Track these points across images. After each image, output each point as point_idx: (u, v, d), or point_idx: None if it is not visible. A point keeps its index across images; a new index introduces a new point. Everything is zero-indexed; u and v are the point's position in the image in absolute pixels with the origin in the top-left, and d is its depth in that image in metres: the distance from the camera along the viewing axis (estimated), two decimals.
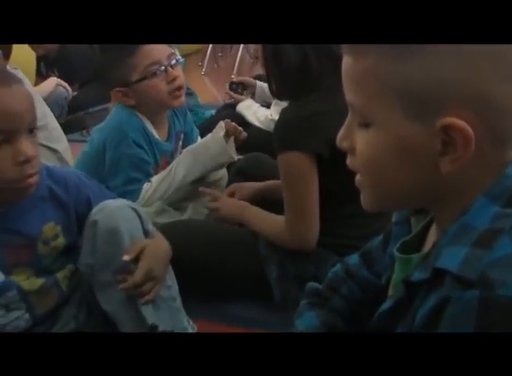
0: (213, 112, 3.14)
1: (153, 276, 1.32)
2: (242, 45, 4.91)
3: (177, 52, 2.75)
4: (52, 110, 2.43)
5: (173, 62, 1.92)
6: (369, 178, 0.79)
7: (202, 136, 2.21)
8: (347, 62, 0.76)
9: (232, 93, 3.03)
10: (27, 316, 1.30)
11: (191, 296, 1.44)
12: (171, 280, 1.38)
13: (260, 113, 2.77)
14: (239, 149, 2.10)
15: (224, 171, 2.14)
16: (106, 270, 1.31)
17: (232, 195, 1.98)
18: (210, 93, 4.38)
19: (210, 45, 5.34)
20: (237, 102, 2.95)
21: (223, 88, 3.44)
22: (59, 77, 3.39)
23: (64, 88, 3.20)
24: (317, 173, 1.56)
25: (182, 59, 2.03)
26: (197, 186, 2.02)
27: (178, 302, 1.39)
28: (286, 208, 1.61)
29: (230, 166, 2.13)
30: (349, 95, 0.77)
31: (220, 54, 5.66)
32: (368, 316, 0.88)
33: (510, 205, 0.71)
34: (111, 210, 1.32)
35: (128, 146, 1.89)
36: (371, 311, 0.87)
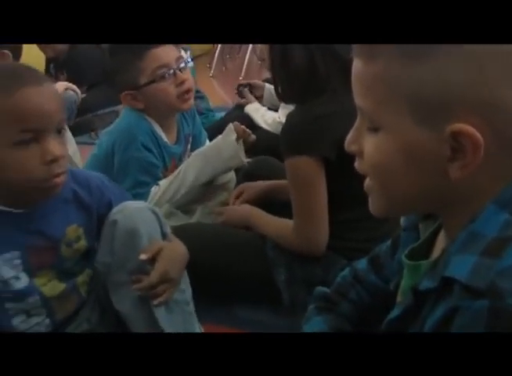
0: (223, 115, 3.14)
1: (169, 278, 1.32)
2: (250, 48, 4.90)
3: (188, 54, 2.77)
4: None
5: (182, 65, 1.92)
6: (378, 182, 0.79)
7: (210, 139, 2.21)
8: (357, 66, 0.76)
9: (245, 91, 3.03)
10: (47, 321, 1.30)
11: (198, 299, 1.44)
12: (186, 284, 1.39)
13: (268, 115, 2.77)
14: (248, 152, 2.10)
15: (232, 174, 2.13)
16: (122, 270, 1.31)
17: (240, 195, 2.00)
18: (218, 95, 4.38)
19: (219, 48, 5.35)
20: (248, 102, 2.96)
21: (231, 91, 3.45)
22: (67, 78, 3.40)
23: (74, 91, 3.20)
24: (325, 176, 1.56)
25: (191, 63, 2.03)
26: (206, 188, 2.03)
27: (191, 307, 1.39)
28: (294, 213, 1.61)
29: (238, 169, 2.13)
30: (358, 99, 0.77)
31: (228, 56, 5.66)
32: (376, 321, 0.88)
33: None
34: (131, 210, 1.33)
35: (137, 150, 1.89)
36: (379, 316, 0.86)
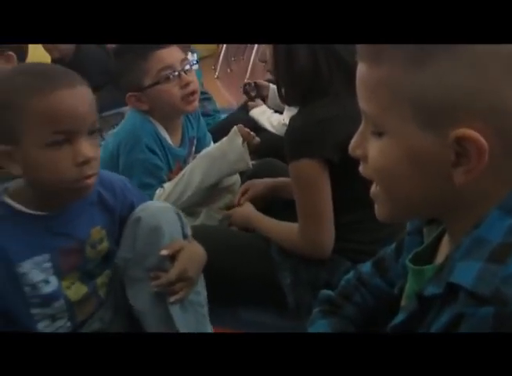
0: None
1: (187, 276, 1.33)
2: (255, 50, 4.91)
3: (195, 56, 2.77)
4: None
5: (187, 67, 1.92)
6: (382, 187, 0.79)
7: (213, 140, 2.21)
8: (361, 70, 0.76)
9: (251, 88, 3.03)
10: (68, 324, 1.31)
11: None
12: (201, 287, 1.41)
13: (273, 118, 2.77)
14: (252, 154, 2.10)
15: (237, 177, 2.13)
16: (141, 266, 1.33)
17: (246, 192, 2.00)
18: (223, 97, 4.38)
19: (224, 49, 5.35)
20: (253, 100, 2.96)
21: (236, 92, 3.45)
22: None
23: None
24: (329, 179, 1.56)
25: (196, 65, 2.03)
26: (211, 191, 2.02)
27: (205, 309, 1.40)
28: (299, 216, 1.61)
29: (243, 171, 2.13)
30: (363, 104, 0.77)
31: (233, 58, 5.67)
32: (380, 324, 0.88)
33: None
34: (155, 209, 1.37)
35: (141, 152, 1.89)
36: (384, 319, 0.86)
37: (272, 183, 2.03)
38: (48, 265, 1.24)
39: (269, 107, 2.93)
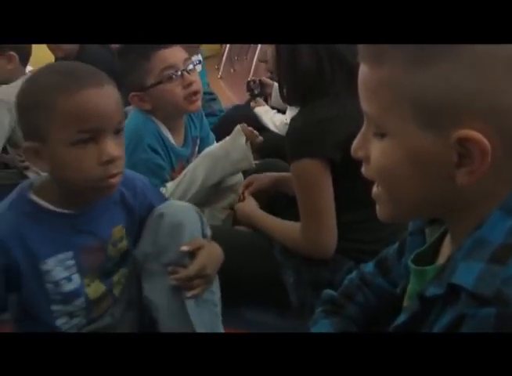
0: None
1: (205, 274, 1.36)
2: (258, 50, 4.91)
3: (199, 57, 2.77)
4: None
5: (190, 67, 1.92)
6: (384, 187, 0.79)
7: (213, 133, 2.22)
8: (362, 71, 0.76)
9: (255, 85, 3.04)
10: (83, 321, 1.33)
11: None
12: (216, 287, 1.42)
13: (276, 117, 2.77)
14: (255, 153, 2.10)
15: (240, 176, 2.13)
16: (160, 260, 1.35)
17: (249, 185, 2.01)
18: (226, 97, 4.38)
19: (227, 49, 5.35)
20: (255, 97, 2.96)
21: (239, 92, 3.45)
22: None
23: None
24: (330, 179, 1.56)
25: (199, 65, 2.03)
26: (214, 190, 2.02)
27: (218, 309, 1.42)
28: (301, 216, 1.61)
29: (246, 171, 2.13)
30: (364, 105, 0.77)
31: (236, 58, 5.67)
32: (383, 324, 0.88)
33: None
34: (178, 207, 1.41)
35: (144, 151, 1.89)
36: (386, 319, 0.86)
37: (275, 177, 2.03)
38: (72, 262, 1.26)
39: (272, 106, 2.94)
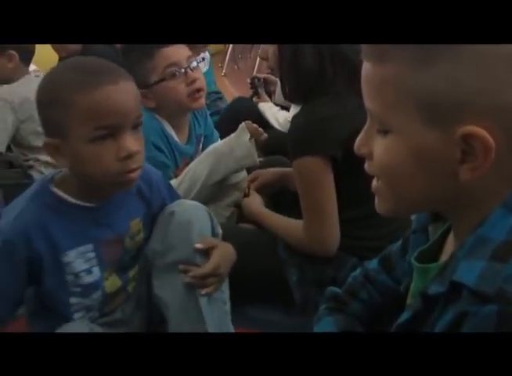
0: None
1: (219, 273, 1.38)
2: (261, 48, 4.90)
3: (206, 54, 2.77)
4: None
5: (193, 64, 1.92)
6: (386, 184, 0.79)
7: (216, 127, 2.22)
8: (366, 68, 0.76)
9: (259, 83, 3.04)
10: (96, 314, 1.35)
11: None
12: (226, 286, 1.44)
13: (279, 115, 2.77)
14: (259, 150, 2.10)
15: (244, 174, 2.12)
16: (169, 258, 1.36)
17: (254, 180, 2.01)
18: (230, 94, 4.37)
19: (230, 47, 5.35)
20: (259, 95, 2.96)
21: (243, 89, 3.44)
22: None
23: None
24: (332, 176, 1.56)
25: (202, 63, 2.03)
26: (218, 188, 2.02)
27: (228, 307, 1.43)
28: (304, 214, 1.61)
29: (250, 169, 2.12)
30: (368, 102, 0.77)
31: (240, 56, 5.67)
32: (387, 321, 0.88)
33: None
34: (188, 206, 1.43)
35: (148, 149, 1.87)
36: (390, 316, 0.86)
37: (280, 173, 2.03)
38: (92, 255, 1.28)
39: (276, 103, 2.93)
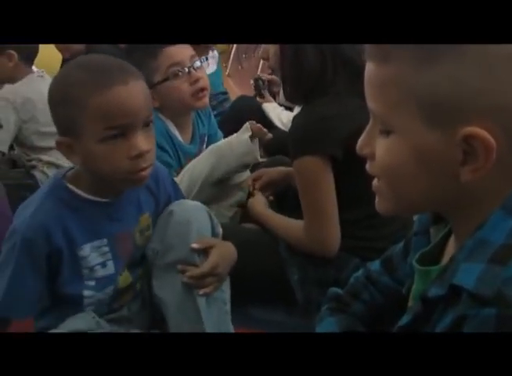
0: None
1: (217, 272, 1.38)
2: (262, 48, 4.90)
3: (215, 53, 2.77)
4: None
5: (196, 64, 1.92)
6: (388, 184, 0.79)
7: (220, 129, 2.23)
8: (369, 69, 0.76)
9: (262, 85, 3.04)
10: (105, 310, 1.36)
11: None
12: (226, 286, 1.44)
13: (283, 115, 2.77)
14: (262, 150, 2.09)
15: (248, 174, 2.12)
16: (168, 257, 1.37)
17: (258, 178, 2.01)
18: (234, 94, 4.37)
19: (235, 47, 5.35)
20: (262, 95, 2.96)
21: (247, 89, 3.44)
22: None
23: None
24: (332, 176, 1.56)
25: (206, 62, 2.03)
26: (221, 188, 2.01)
27: (228, 307, 1.43)
28: (304, 214, 1.61)
29: (254, 169, 2.12)
30: (370, 102, 0.77)
31: (244, 55, 5.66)
32: (388, 322, 0.87)
33: None
34: (188, 206, 1.43)
35: None
36: (392, 317, 0.86)
37: (285, 171, 2.03)
38: (106, 249, 1.30)
39: (280, 103, 2.93)
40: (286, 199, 2.00)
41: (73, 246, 1.25)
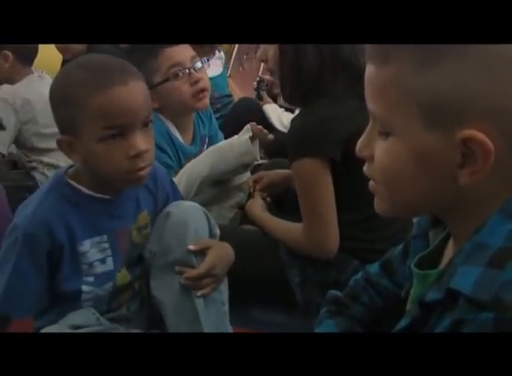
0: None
1: (215, 273, 1.38)
2: (260, 50, 4.90)
3: (222, 54, 2.76)
4: None
5: (197, 64, 1.92)
6: (385, 186, 0.79)
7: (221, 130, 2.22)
8: (369, 70, 0.76)
9: (263, 87, 3.04)
10: (104, 308, 1.36)
11: None
12: (224, 287, 1.44)
13: (283, 116, 2.77)
14: (263, 152, 2.09)
15: (248, 175, 2.12)
16: (165, 259, 1.37)
17: (259, 180, 2.00)
18: (235, 95, 4.38)
19: (236, 48, 5.35)
20: (262, 97, 2.96)
21: (248, 90, 3.44)
22: None
23: None
24: (331, 178, 1.56)
25: (207, 63, 2.03)
26: (221, 189, 2.01)
27: (226, 308, 1.43)
28: (303, 216, 1.61)
29: (254, 171, 2.12)
30: (370, 104, 0.77)
31: (245, 57, 5.66)
32: (387, 325, 0.87)
33: None
34: (185, 207, 1.43)
35: None
36: (391, 320, 0.86)
37: (285, 173, 2.02)
38: (106, 245, 1.31)
39: (281, 105, 2.93)
40: (285, 201, 1.99)
41: (73, 241, 1.26)
